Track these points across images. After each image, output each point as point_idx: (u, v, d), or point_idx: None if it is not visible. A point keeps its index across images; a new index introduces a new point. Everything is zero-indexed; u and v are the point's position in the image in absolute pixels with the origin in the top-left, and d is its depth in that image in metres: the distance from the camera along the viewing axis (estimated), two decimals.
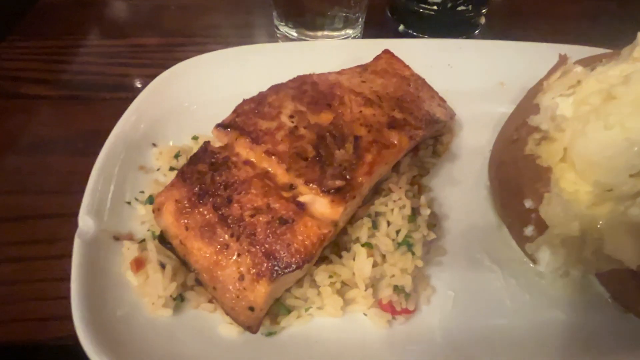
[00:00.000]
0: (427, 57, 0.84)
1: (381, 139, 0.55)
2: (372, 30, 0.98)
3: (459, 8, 0.93)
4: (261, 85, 0.65)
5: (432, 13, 0.88)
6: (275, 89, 0.60)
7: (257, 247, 0.46)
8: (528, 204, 0.52)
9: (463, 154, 0.74)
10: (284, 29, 0.94)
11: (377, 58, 0.78)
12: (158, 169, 0.65)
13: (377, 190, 0.59)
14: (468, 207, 0.66)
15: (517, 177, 0.56)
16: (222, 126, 0.56)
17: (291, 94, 0.59)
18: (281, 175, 0.51)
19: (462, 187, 0.69)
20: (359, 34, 0.96)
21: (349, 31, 0.94)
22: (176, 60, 0.84)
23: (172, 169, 0.64)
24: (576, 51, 0.84)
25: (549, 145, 0.56)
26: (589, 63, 0.64)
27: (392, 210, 0.55)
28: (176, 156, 0.65)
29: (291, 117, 0.56)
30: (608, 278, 0.53)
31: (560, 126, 0.56)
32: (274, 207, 0.48)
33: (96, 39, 1.07)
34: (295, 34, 0.94)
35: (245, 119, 0.56)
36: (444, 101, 0.74)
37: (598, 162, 0.51)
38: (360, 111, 0.58)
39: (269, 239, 0.46)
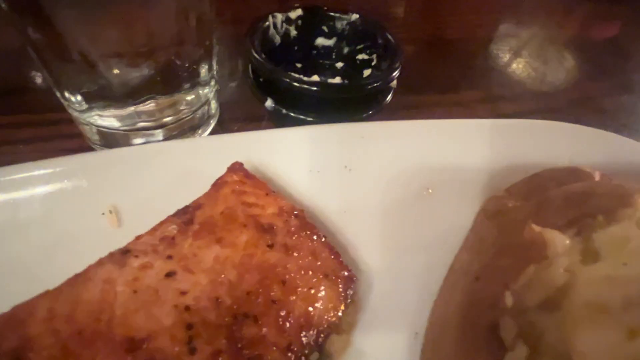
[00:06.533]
0: (311, 157, 0.53)
1: None
2: (230, 97, 0.64)
3: (360, 57, 0.62)
4: None
5: (314, 89, 0.53)
6: None
7: None
8: None
9: (376, 342, 0.43)
10: (77, 113, 0.54)
11: (219, 185, 0.45)
12: None
13: None
14: None
15: None
16: None
17: None
18: None
19: None
20: (210, 99, 0.61)
21: (191, 98, 0.57)
22: None
23: None
24: (522, 128, 0.58)
25: None
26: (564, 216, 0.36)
27: None
28: None
29: None
30: None
31: None
32: None
33: None
34: (102, 121, 0.54)
35: None
36: (339, 256, 0.43)
37: None
38: None
39: None
